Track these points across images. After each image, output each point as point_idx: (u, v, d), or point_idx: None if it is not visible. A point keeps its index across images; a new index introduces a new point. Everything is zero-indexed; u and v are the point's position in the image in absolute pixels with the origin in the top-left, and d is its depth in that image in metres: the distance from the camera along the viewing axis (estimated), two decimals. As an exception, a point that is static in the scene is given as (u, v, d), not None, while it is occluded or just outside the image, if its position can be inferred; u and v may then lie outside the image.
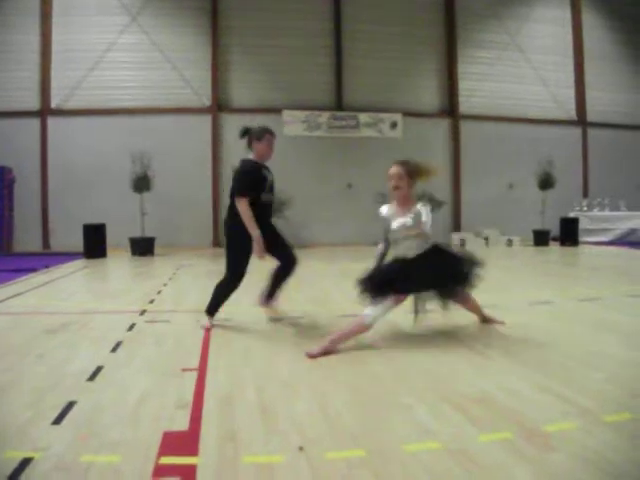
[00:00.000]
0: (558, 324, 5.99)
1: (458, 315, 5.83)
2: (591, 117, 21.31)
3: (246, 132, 5.93)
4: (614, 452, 2.82)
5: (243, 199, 5.63)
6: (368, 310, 5.02)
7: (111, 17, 18.06)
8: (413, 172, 5.13)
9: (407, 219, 5.02)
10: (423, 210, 5.02)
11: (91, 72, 17.97)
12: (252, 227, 5.68)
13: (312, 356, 4.70)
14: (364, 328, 4.98)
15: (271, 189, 6.04)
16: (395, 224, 5.12)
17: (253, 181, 5.71)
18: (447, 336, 5.49)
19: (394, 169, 5.11)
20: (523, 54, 20.78)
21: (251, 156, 5.87)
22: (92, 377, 4.17)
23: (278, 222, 17.51)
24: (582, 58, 21.28)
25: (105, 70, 18.05)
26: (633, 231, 18.74)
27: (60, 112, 17.78)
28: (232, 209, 5.83)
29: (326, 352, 4.76)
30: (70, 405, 3.55)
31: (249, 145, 5.89)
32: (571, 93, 21.35)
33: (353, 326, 5.02)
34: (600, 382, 3.96)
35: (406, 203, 5.14)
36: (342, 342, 4.89)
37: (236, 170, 5.90)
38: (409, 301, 5.30)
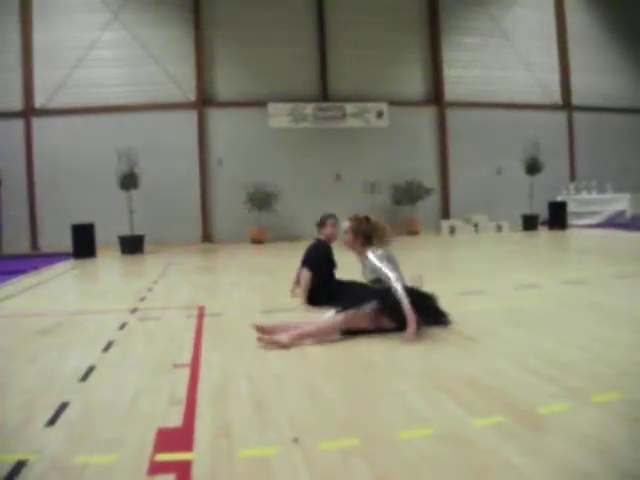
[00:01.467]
0: (546, 307, 6.03)
1: (446, 301, 5.86)
2: (576, 101, 21.37)
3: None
4: (604, 431, 2.85)
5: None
6: (339, 314, 5.07)
7: (92, 14, 17.90)
8: (359, 230, 5.44)
9: (366, 265, 5.35)
10: (372, 258, 5.20)
11: (74, 70, 17.83)
12: None
13: (258, 328, 4.93)
14: (337, 331, 5.00)
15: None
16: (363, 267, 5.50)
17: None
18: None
19: (344, 223, 5.58)
20: (507, 40, 20.78)
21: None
22: (85, 377, 4.16)
23: (267, 216, 17.61)
24: (566, 43, 21.31)
25: (88, 68, 17.89)
26: (620, 213, 18.83)
27: (44, 112, 17.64)
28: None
29: (279, 343, 4.78)
30: (63, 406, 3.54)
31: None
32: (556, 78, 21.40)
33: (325, 327, 5.03)
34: (588, 363, 4.00)
35: (358, 252, 5.50)
36: (310, 341, 4.91)
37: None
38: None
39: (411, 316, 4.79)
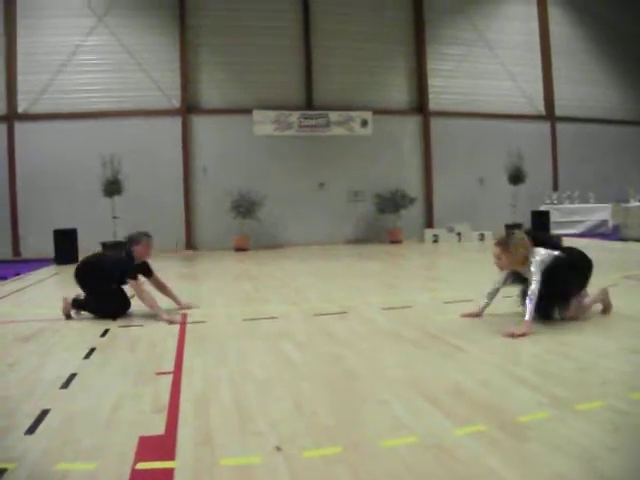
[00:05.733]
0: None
1: (431, 309, 5.88)
2: (559, 111, 21.56)
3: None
4: (587, 439, 2.87)
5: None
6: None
7: (77, 18, 17.79)
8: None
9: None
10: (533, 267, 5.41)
11: (58, 75, 17.71)
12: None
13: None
14: None
15: None
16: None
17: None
18: (421, 330, 5.52)
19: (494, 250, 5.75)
20: (491, 50, 20.94)
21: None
22: (66, 384, 4.12)
23: (251, 223, 17.53)
24: (549, 53, 21.51)
25: (72, 73, 17.78)
26: (603, 223, 19.03)
27: (27, 117, 17.50)
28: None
29: None
30: (44, 413, 3.50)
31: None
32: (539, 88, 21.57)
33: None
34: (572, 371, 4.02)
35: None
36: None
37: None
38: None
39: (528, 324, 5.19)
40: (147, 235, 7.16)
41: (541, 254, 5.43)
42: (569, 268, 5.50)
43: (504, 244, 5.56)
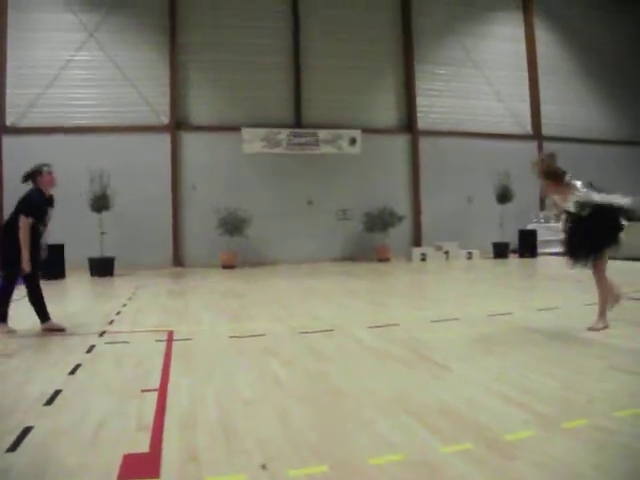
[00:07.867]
0: (517, 334, 6.07)
1: (417, 328, 5.88)
2: (546, 131, 21.77)
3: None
4: (572, 457, 2.87)
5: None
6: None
7: (68, 33, 17.81)
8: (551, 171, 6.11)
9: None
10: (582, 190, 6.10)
11: (47, 89, 17.68)
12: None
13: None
14: None
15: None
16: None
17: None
18: (407, 348, 5.52)
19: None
20: (479, 70, 21.16)
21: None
22: (50, 401, 4.08)
23: (238, 240, 17.47)
24: (536, 74, 21.78)
25: (62, 88, 17.76)
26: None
27: (15, 130, 17.44)
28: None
29: None
30: (26, 431, 3.46)
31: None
32: (526, 108, 21.81)
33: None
34: (557, 389, 4.03)
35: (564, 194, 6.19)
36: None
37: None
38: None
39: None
40: (44, 164, 7.07)
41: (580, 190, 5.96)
42: (606, 220, 5.96)
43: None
